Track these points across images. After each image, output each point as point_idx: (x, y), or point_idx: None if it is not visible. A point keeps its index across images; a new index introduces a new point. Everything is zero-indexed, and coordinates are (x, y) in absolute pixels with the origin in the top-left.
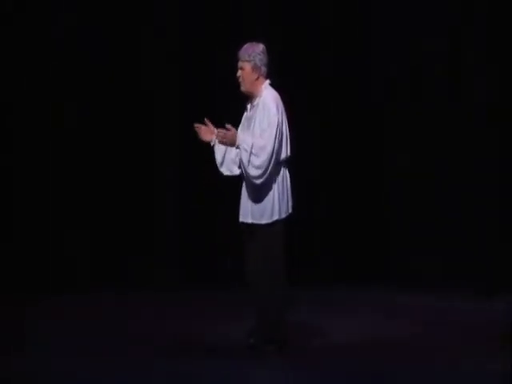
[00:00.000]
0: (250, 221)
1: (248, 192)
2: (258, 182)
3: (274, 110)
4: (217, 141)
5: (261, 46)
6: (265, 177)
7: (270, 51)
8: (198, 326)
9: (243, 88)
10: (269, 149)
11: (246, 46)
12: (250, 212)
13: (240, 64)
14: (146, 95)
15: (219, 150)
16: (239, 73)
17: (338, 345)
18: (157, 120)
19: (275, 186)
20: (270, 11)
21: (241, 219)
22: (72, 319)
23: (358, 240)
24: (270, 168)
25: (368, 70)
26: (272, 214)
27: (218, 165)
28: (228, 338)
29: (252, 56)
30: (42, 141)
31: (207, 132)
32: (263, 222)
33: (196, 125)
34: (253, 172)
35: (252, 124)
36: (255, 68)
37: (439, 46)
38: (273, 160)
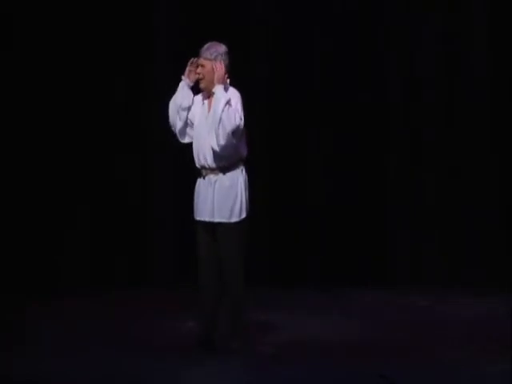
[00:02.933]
0: (217, 220)
1: (213, 190)
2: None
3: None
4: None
5: (224, 47)
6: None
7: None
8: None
9: (204, 85)
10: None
11: (211, 44)
12: (216, 211)
13: (204, 62)
14: (147, 93)
15: (189, 94)
16: (200, 69)
17: (336, 345)
18: (154, 119)
19: (241, 184)
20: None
21: (204, 218)
22: (72, 319)
23: (356, 240)
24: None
25: (367, 68)
26: (241, 212)
27: (178, 106)
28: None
29: (221, 55)
30: (40, 140)
31: (192, 73)
32: (233, 220)
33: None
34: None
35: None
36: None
37: (440, 45)
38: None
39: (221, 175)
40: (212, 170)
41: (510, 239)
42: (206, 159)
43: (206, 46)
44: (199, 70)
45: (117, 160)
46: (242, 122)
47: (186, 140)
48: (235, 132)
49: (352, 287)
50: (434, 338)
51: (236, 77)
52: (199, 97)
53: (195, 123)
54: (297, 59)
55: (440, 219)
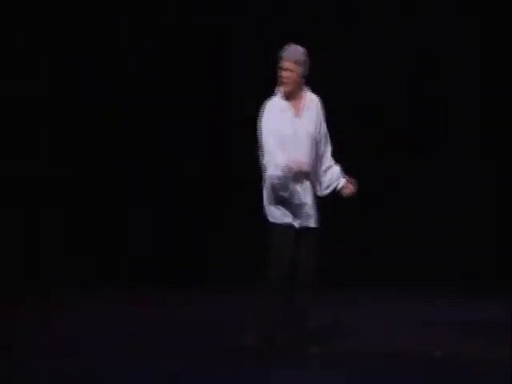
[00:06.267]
0: (312, 225)
1: (310, 198)
2: None
3: None
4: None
5: (304, 49)
6: None
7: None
8: (197, 326)
9: (288, 88)
10: None
11: (295, 47)
12: (311, 217)
13: (289, 65)
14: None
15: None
16: (287, 74)
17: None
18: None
19: None
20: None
21: (302, 224)
22: (72, 319)
23: (356, 241)
24: None
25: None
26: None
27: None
28: (228, 339)
29: (303, 60)
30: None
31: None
32: (317, 225)
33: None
34: None
35: (316, 125)
36: (305, 72)
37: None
38: None
39: (308, 182)
40: (307, 176)
41: (510, 239)
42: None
43: (293, 48)
44: (286, 74)
45: (118, 162)
46: None
47: None
48: None
49: (349, 287)
50: (433, 337)
51: None
52: (275, 107)
53: (283, 133)
54: None
55: (439, 220)
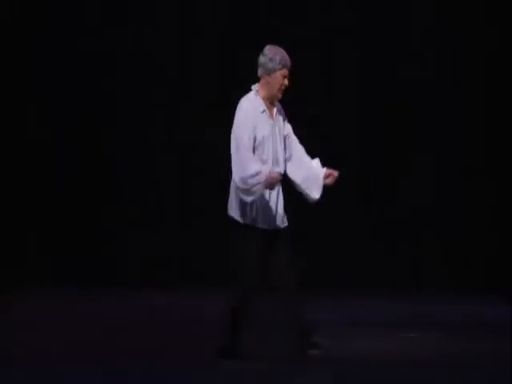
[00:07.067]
0: (284, 225)
1: (280, 197)
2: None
3: None
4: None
5: None
6: None
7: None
8: (197, 327)
9: (281, 95)
10: None
11: (284, 52)
12: (283, 217)
13: (287, 73)
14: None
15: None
16: (287, 82)
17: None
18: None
19: None
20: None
21: (272, 227)
22: (71, 319)
23: (362, 243)
24: None
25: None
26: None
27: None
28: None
29: None
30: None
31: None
32: (287, 224)
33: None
34: None
35: (284, 127)
36: None
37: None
38: None
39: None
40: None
41: (509, 240)
42: (280, 168)
43: (286, 54)
44: (286, 82)
45: (118, 162)
46: None
47: None
48: None
49: (348, 287)
50: (433, 338)
51: None
52: (257, 108)
53: (263, 134)
54: None
55: (438, 220)
